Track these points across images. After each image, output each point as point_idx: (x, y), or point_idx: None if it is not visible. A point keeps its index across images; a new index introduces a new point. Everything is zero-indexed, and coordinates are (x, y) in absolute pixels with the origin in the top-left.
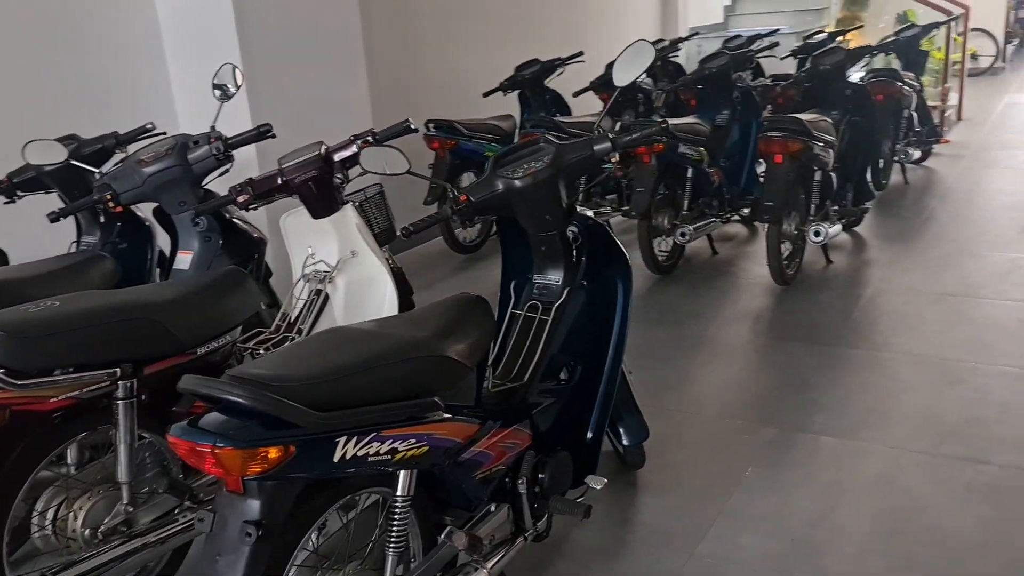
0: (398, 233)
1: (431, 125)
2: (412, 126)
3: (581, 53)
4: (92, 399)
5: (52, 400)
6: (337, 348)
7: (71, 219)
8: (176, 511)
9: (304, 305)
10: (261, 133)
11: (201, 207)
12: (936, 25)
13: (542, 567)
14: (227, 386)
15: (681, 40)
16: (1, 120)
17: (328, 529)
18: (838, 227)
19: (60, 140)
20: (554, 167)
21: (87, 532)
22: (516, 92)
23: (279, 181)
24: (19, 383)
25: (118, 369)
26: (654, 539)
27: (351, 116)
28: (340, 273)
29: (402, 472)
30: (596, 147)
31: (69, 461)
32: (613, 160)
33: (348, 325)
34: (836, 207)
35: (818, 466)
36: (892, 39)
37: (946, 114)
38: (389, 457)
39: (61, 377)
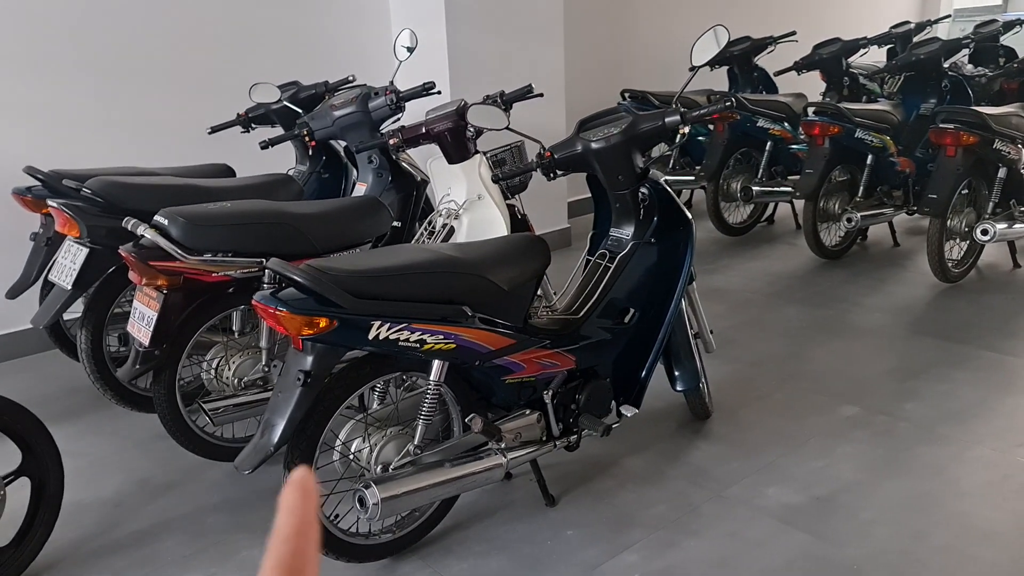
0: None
1: (626, 95)
2: (535, 91)
3: (794, 32)
4: (244, 280)
5: (214, 275)
6: (393, 256)
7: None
8: None
9: (435, 235)
10: (426, 89)
11: (361, 145)
12: None
13: (584, 480)
14: (295, 269)
15: (930, 23)
16: (250, 68)
17: (388, 402)
18: (1020, 228)
19: (284, 85)
20: (626, 134)
21: (235, 380)
22: (725, 68)
23: (422, 130)
24: (190, 257)
25: (264, 260)
26: (690, 476)
27: (544, 82)
28: (466, 212)
29: (435, 362)
30: (667, 119)
31: (234, 328)
32: (683, 131)
33: (414, 244)
34: None
35: (879, 445)
36: None
37: None
38: (418, 345)
39: (220, 258)
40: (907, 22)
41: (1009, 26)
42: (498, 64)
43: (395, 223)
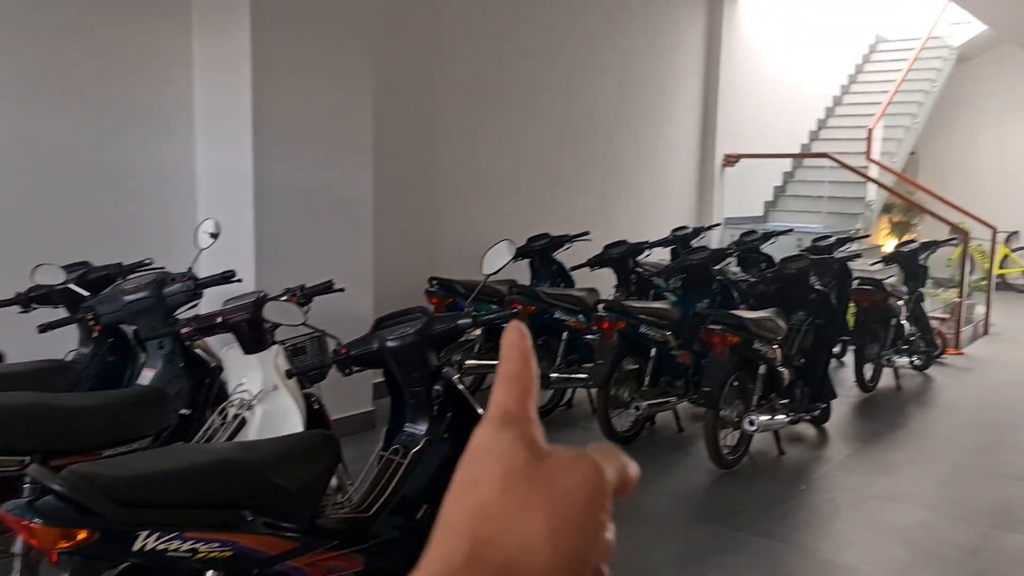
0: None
1: (434, 282)
2: (336, 286)
3: (588, 232)
4: (7, 479)
5: None
6: (169, 458)
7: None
8: None
9: (226, 426)
10: (226, 277)
11: (151, 332)
12: (936, 244)
13: None
14: (54, 476)
15: (704, 229)
16: (38, 245)
17: None
18: (781, 419)
19: (72, 265)
20: (421, 334)
21: None
22: (527, 260)
23: (218, 320)
24: None
25: (28, 458)
26: None
27: (352, 271)
28: (260, 403)
29: (210, 572)
30: (459, 322)
31: None
32: (474, 334)
33: (193, 444)
34: (785, 400)
35: None
36: (894, 253)
37: (965, 327)
38: (190, 555)
39: None
40: (685, 227)
41: (767, 236)
42: (306, 252)
43: (184, 411)
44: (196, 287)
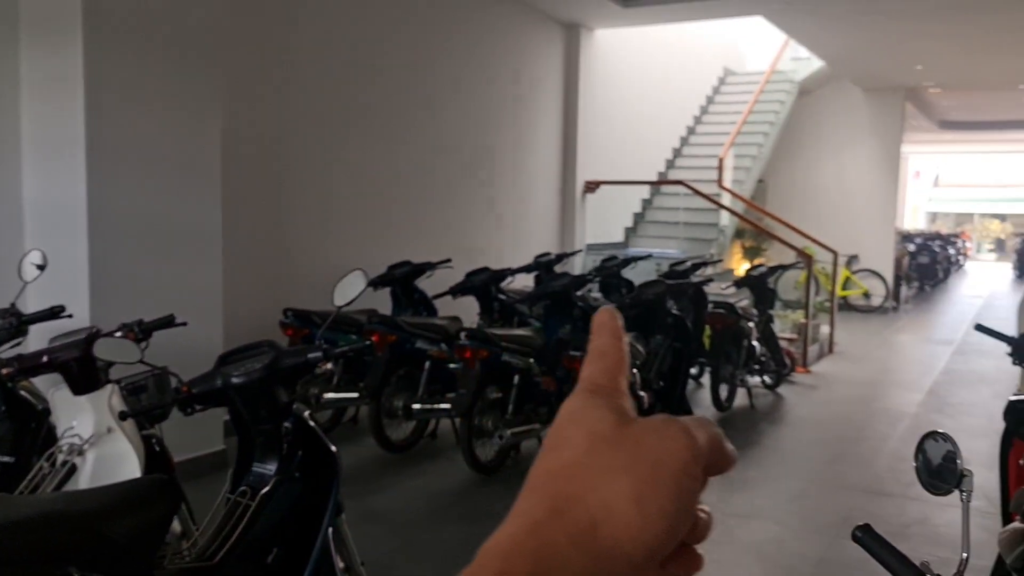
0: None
1: (289, 313)
2: (179, 320)
3: (450, 260)
4: None
5: None
6: None
7: None
8: None
9: (54, 474)
10: (54, 313)
11: None
12: (783, 268)
13: None
14: None
15: (566, 255)
16: None
17: None
18: None
19: None
20: (269, 369)
21: None
22: (388, 289)
23: (44, 359)
24: None
25: None
26: None
27: (200, 302)
28: (92, 448)
29: None
30: (310, 355)
31: None
32: (324, 367)
33: (16, 496)
34: None
35: None
36: (745, 277)
37: (811, 346)
38: None
39: None
40: (548, 253)
41: (627, 262)
42: (148, 284)
43: (6, 459)
44: (20, 323)
